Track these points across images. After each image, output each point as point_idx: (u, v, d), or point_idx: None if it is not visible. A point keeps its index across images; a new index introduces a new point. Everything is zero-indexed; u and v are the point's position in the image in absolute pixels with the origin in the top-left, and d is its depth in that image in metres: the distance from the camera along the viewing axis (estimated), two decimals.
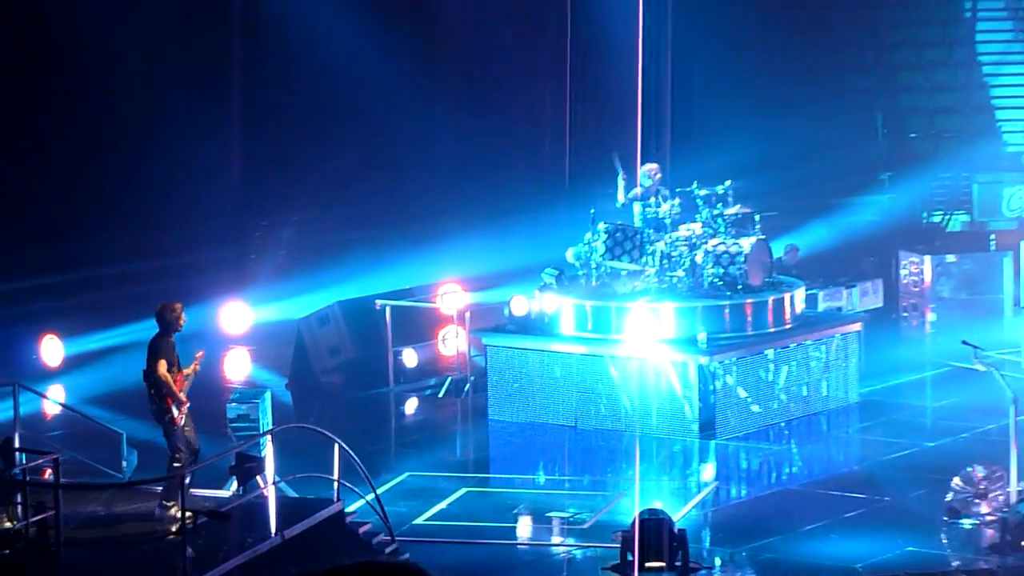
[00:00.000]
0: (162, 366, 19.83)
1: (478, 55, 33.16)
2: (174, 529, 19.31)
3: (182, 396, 19.83)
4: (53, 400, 24.65)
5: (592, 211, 26.83)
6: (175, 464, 19.80)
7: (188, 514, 18.96)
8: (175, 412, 19.76)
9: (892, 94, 36.29)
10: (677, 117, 31.11)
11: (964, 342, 22.93)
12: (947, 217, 32.47)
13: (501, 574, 20.07)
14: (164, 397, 19.69)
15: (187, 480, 19.28)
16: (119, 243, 29.08)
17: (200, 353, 21.03)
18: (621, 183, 26.59)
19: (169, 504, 19.66)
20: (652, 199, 26.43)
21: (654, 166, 26.73)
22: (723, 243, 26.16)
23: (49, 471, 19.64)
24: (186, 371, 20.32)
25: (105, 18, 29.54)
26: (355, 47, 31.83)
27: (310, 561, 2.76)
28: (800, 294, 26.93)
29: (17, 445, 20.60)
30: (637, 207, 26.57)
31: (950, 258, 32.08)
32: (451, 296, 28.18)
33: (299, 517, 20.00)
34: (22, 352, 26.09)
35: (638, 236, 26.34)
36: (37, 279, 28.83)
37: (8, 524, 19.06)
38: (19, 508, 19.09)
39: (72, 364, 26.10)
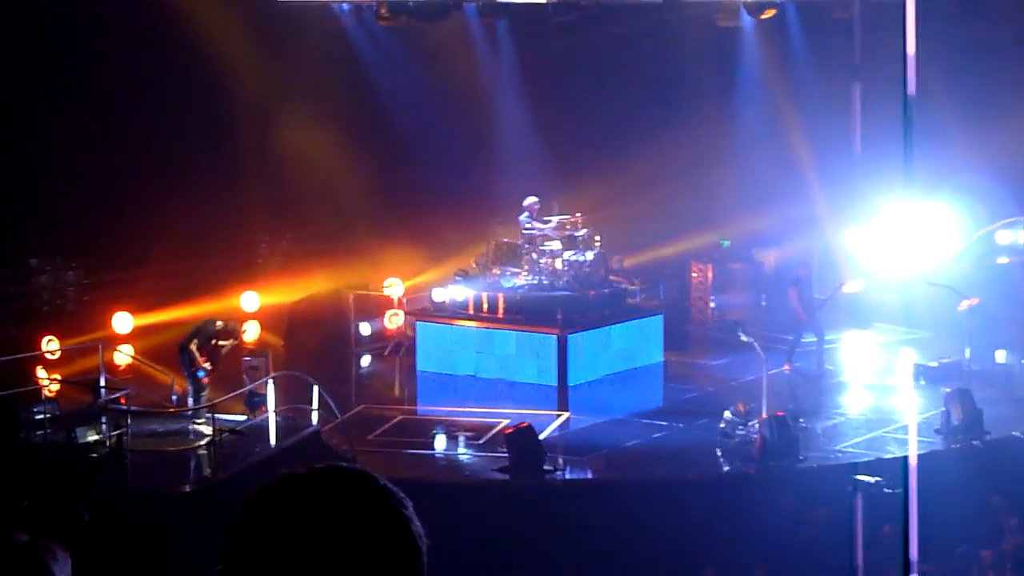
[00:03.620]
0: (194, 344, 20.11)
1: (424, 148, 32.15)
2: (205, 441, 19.39)
3: (206, 365, 20.08)
4: (125, 354, 24.59)
5: (489, 232, 27.01)
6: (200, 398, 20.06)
7: (217, 430, 19.09)
8: (201, 374, 20.04)
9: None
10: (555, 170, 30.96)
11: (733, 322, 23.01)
12: (722, 241, 32.27)
13: (426, 473, 20.13)
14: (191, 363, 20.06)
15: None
16: (168, 249, 28.52)
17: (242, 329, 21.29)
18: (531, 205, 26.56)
19: (200, 422, 19.79)
20: (528, 224, 26.48)
21: (534, 199, 26.70)
22: (575, 254, 26.28)
23: (123, 401, 19.65)
24: (224, 345, 20.51)
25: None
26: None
27: (296, 464, 2.82)
28: (625, 289, 27.09)
29: (102, 384, 20.63)
30: (518, 228, 26.65)
31: (736, 265, 31.81)
32: (394, 287, 28.28)
33: (289, 435, 20.09)
34: (101, 322, 25.93)
35: (517, 249, 26.46)
36: (113, 274, 28.61)
37: (96, 436, 19.08)
38: (103, 426, 19.13)
39: (138, 332, 25.95)
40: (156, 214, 27.79)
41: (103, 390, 20.30)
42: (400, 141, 31.95)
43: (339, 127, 30.78)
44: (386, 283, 28.36)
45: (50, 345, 24.11)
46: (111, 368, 22.59)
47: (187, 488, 18.40)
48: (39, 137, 27.26)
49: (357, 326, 27.98)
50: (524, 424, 20.37)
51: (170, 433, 19.74)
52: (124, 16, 27.93)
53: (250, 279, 29.01)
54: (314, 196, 31.24)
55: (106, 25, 27.72)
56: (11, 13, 26.89)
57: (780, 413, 20.57)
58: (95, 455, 18.65)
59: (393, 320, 27.98)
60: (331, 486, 2.88)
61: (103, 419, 19.21)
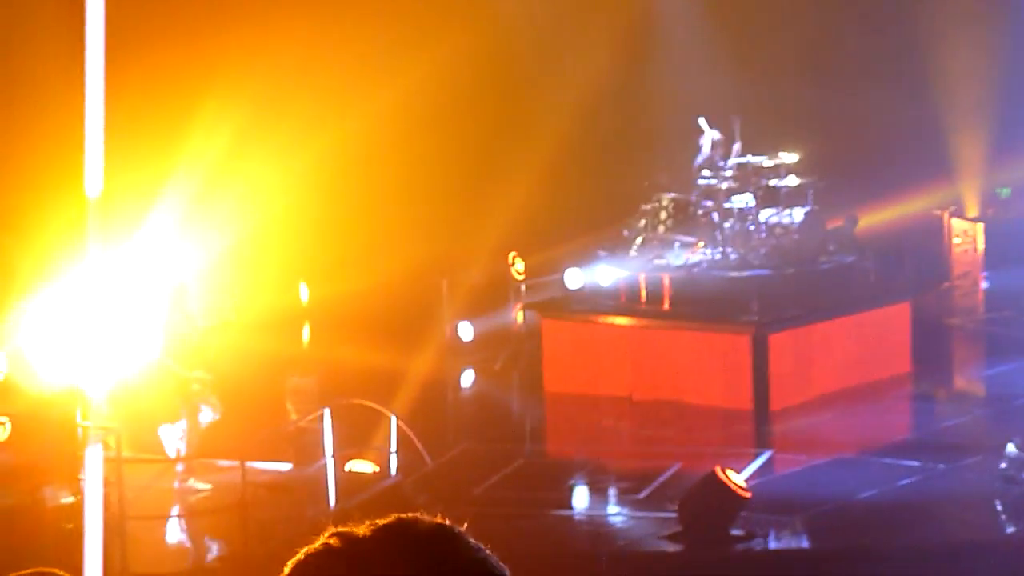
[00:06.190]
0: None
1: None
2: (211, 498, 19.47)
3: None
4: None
5: (647, 184, 26.79)
6: None
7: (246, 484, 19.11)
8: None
9: None
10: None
11: None
12: (1000, 190, 32.00)
13: (560, 542, 19.99)
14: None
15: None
16: None
17: None
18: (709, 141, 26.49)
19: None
20: (708, 170, 26.32)
21: (717, 132, 26.59)
22: (777, 214, 26.02)
23: (113, 444, 19.59)
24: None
25: None
26: None
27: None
28: (853, 265, 26.75)
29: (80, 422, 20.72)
30: (694, 176, 26.52)
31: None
32: (514, 267, 28.22)
33: (357, 489, 20.04)
34: None
35: (690, 207, 26.22)
36: None
37: (72, 498, 19.05)
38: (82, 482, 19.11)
39: None
40: None
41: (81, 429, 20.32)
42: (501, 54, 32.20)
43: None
44: (510, 258, 28.31)
45: None
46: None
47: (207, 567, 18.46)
48: None
49: (455, 326, 27.87)
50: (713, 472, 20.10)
51: (177, 491, 19.82)
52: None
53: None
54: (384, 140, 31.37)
55: None
56: None
57: None
58: (70, 525, 18.63)
59: (510, 316, 27.94)
60: (403, 550, 2.92)
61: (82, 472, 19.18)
